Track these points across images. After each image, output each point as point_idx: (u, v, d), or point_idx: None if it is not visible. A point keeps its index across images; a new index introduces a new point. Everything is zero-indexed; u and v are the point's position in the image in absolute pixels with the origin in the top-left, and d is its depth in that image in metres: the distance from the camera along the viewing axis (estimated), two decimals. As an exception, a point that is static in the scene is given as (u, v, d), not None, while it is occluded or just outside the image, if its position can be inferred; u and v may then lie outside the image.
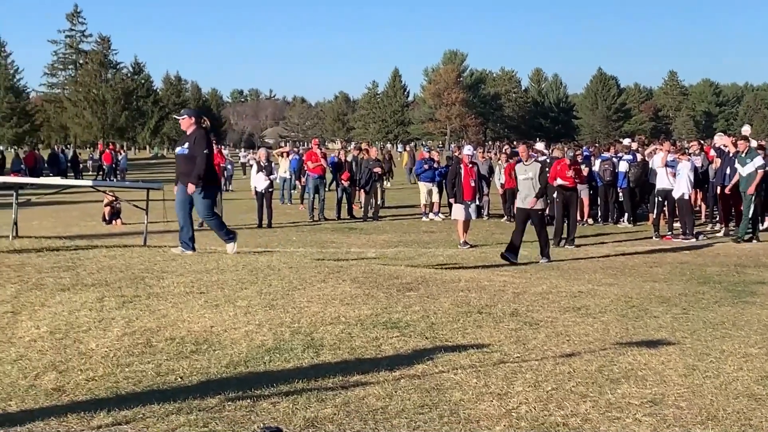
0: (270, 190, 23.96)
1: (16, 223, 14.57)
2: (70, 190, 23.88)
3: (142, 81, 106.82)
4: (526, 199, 16.39)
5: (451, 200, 19.41)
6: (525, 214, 16.51)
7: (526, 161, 16.92)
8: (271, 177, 24.51)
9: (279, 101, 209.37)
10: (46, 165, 61.03)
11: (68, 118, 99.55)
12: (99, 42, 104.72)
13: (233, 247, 13.00)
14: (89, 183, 18.91)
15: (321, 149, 27.59)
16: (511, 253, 15.92)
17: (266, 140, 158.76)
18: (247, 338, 7.63)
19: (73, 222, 25.39)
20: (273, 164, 27.26)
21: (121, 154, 66.23)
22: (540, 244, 16.32)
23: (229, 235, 13.10)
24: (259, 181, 23.62)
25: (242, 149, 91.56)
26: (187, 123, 12.83)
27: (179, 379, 6.48)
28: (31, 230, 16.34)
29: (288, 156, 33.16)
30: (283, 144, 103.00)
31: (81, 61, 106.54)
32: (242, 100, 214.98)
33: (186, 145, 12.70)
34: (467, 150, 20.88)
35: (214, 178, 13.05)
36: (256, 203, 23.71)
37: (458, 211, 18.81)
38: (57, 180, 26.76)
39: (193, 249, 12.75)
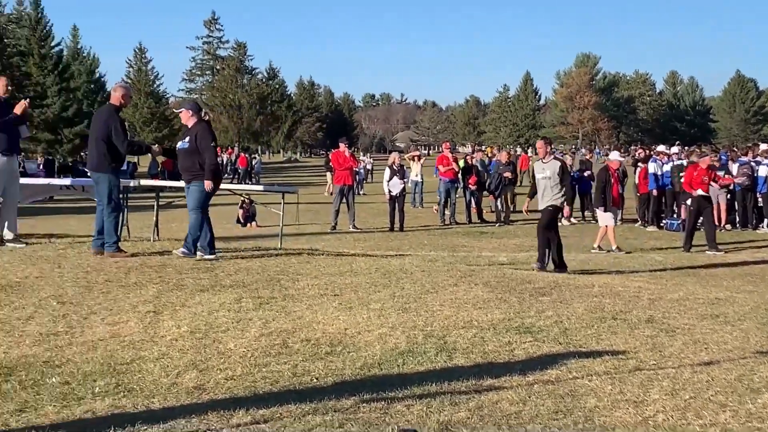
0: (403, 194, 24.08)
1: (157, 225, 15.03)
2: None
3: (277, 86, 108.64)
4: (543, 200, 15.16)
5: (600, 208, 19.17)
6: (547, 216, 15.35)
7: (545, 159, 15.53)
8: (404, 181, 24.62)
9: (410, 105, 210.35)
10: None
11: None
12: (235, 48, 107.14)
13: (182, 252, 11.94)
14: (227, 186, 19.34)
15: (452, 153, 27.60)
16: (559, 262, 14.95)
17: (397, 144, 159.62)
18: (380, 341, 7.69)
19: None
20: (405, 168, 27.38)
21: (255, 158, 67.59)
22: (539, 246, 15.06)
23: (210, 246, 12.13)
24: (393, 185, 23.76)
25: (367, 154, 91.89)
26: (185, 116, 12.21)
27: (315, 380, 6.58)
28: (171, 232, 16.79)
29: (419, 160, 33.27)
30: (413, 148, 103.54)
31: (218, 67, 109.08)
32: (374, 104, 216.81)
33: (186, 139, 12.13)
34: (615, 156, 20.60)
35: (219, 174, 12.52)
36: (389, 207, 23.85)
37: (608, 218, 18.87)
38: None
39: (213, 253, 12.05)
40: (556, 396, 6.03)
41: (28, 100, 13.00)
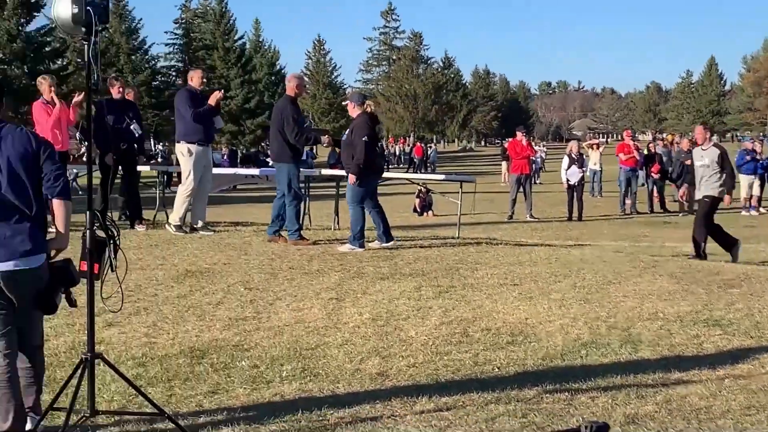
0: (581, 182, 23.70)
1: (337, 214, 15.30)
2: (382, 183, 24.80)
3: (452, 75, 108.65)
4: (700, 189, 14.27)
5: None
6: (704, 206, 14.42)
7: (704, 146, 14.49)
8: (583, 169, 24.22)
9: (588, 93, 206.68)
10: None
11: (381, 113, 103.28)
12: (411, 38, 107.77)
13: (348, 247, 11.76)
14: (403, 175, 19.51)
15: (633, 141, 26.98)
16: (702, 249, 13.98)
17: (574, 132, 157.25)
18: (562, 331, 7.61)
19: (387, 213, 26.29)
20: (584, 156, 26.94)
21: (431, 147, 67.94)
22: (693, 236, 14.07)
23: (361, 238, 11.95)
24: (571, 174, 23.41)
25: (541, 143, 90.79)
26: (350, 108, 12.22)
27: (496, 370, 6.56)
28: (348, 220, 17.05)
29: (598, 148, 32.67)
30: (591, 136, 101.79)
31: (394, 57, 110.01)
32: (550, 92, 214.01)
33: (347, 131, 12.23)
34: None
35: (372, 167, 12.06)
36: (567, 196, 23.51)
37: None
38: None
39: (361, 246, 11.85)
40: (749, 391, 5.83)
41: (221, 91, 13.46)
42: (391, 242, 12.12)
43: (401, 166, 68.71)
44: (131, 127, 13.10)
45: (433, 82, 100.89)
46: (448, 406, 5.53)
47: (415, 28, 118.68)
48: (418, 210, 25.67)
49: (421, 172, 54.50)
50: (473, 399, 5.67)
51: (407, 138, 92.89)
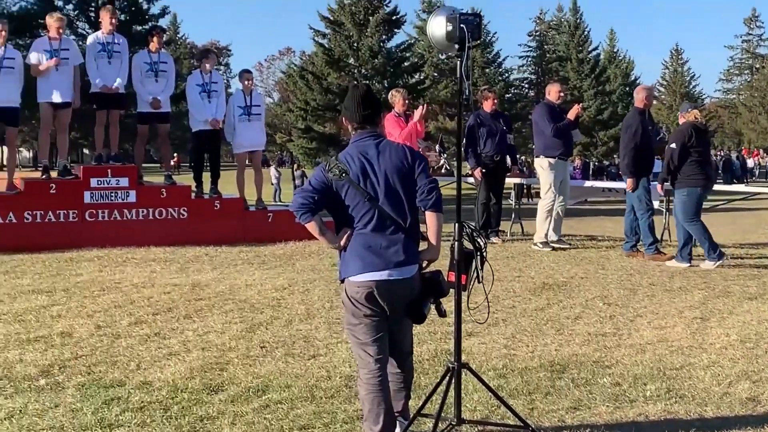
0: None
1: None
2: (748, 198, 23.60)
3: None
4: None
5: None
6: None
7: None
8: None
9: None
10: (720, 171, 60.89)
11: (743, 124, 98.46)
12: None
13: (711, 264, 11.11)
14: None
15: None
16: None
17: None
18: None
19: (750, 229, 25.00)
20: None
21: None
22: None
23: (715, 250, 11.23)
24: None
25: None
26: (679, 117, 11.73)
27: None
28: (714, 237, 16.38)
29: None
30: None
31: (757, 66, 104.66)
32: None
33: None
34: None
35: (691, 175, 11.27)
36: None
37: None
38: (738, 187, 26.60)
39: (720, 257, 11.19)
40: None
41: (580, 105, 13.39)
42: (716, 262, 11.22)
43: (754, 180, 65.30)
44: (507, 137, 13.34)
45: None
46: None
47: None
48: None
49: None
50: None
51: (761, 150, 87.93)
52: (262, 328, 7.81)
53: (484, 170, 13.02)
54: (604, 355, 7.10)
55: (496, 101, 13.37)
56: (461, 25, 5.00)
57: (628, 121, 12.10)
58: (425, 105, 13.56)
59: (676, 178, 11.27)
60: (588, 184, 20.37)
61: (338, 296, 5.00)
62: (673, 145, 11.25)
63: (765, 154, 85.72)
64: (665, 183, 11.63)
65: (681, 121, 11.62)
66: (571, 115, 12.61)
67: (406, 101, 13.05)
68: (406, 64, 58.63)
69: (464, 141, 12.93)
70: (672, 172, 11.23)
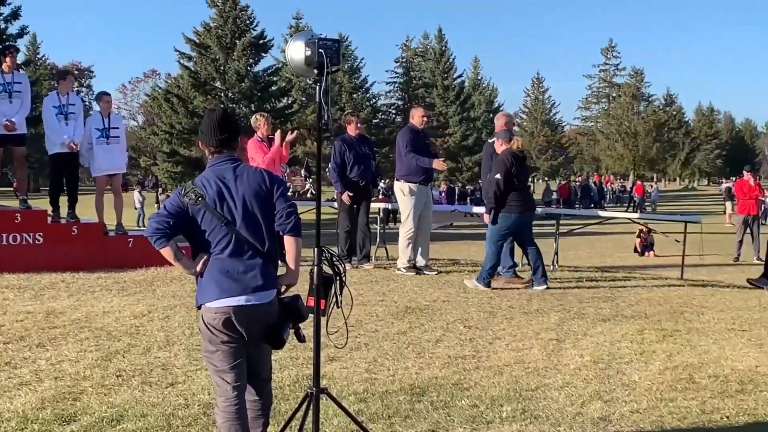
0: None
1: (557, 253, 15.11)
2: (604, 222, 24.34)
3: (674, 113, 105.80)
4: None
5: None
6: None
7: None
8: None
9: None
10: (578, 196, 62.68)
11: (600, 150, 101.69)
12: (632, 75, 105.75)
13: (473, 283, 11.49)
14: (631, 215, 19.06)
15: None
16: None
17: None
18: (797, 381, 7.21)
19: (607, 252, 25.79)
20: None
21: (652, 186, 66.37)
22: None
23: (488, 278, 11.57)
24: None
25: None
26: (497, 144, 11.92)
27: (725, 419, 6.28)
28: (568, 260, 16.85)
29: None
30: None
31: (614, 95, 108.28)
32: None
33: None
34: None
35: (508, 201, 11.51)
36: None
37: None
38: (594, 212, 27.38)
39: (487, 285, 11.51)
40: None
41: (444, 161, 13.43)
42: (544, 287, 11.54)
43: (618, 204, 67.50)
44: (371, 163, 13.25)
45: (655, 120, 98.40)
46: (675, 456, 5.33)
47: (637, 65, 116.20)
48: (639, 250, 25.07)
49: (640, 212, 53.17)
50: (702, 450, 5.45)
51: (612, 176, 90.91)
52: (118, 356, 7.65)
53: (351, 194, 12.85)
54: (463, 378, 7.21)
55: (359, 125, 13.30)
56: (320, 50, 5.04)
57: (490, 149, 12.30)
58: (290, 131, 13.47)
59: (503, 205, 11.50)
60: (452, 208, 20.65)
61: (198, 323, 4.94)
62: (498, 176, 11.40)
63: (614, 180, 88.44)
64: (491, 210, 11.65)
65: (500, 148, 11.84)
66: (435, 164, 12.66)
67: (270, 126, 12.99)
68: (273, 88, 58.65)
69: (333, 165, 12.88)
70: (498, 200, 11.43)
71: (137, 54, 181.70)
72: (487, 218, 11.86)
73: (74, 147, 12.63)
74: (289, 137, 12.75)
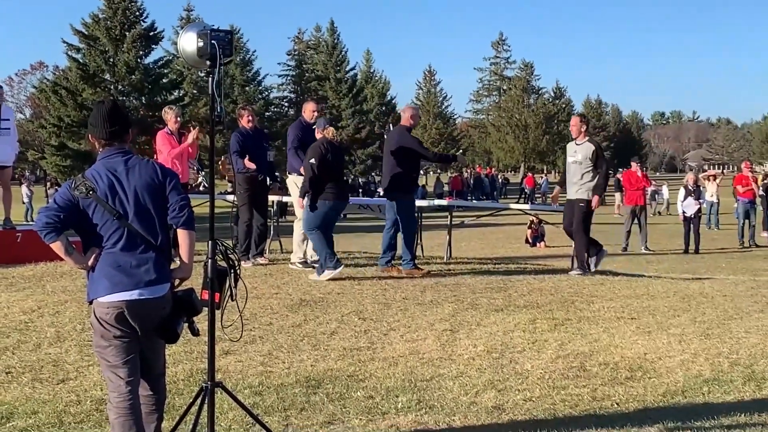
0: (698, 215, 23.20)
1: (450, 245, 15.26)
2: (496, 213, 24.70)
3: (563, 105, 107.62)
4: (572, 188, 13.01)
5: None
6: (571, 207, 13.15)
7: (578, 140, 13.17)
8: (700, 201, 23.72)
9: (702, 123, 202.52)
10: (470, 188, 63.39)
11: (491, 143, 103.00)
12: (522, 68, 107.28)
13: (328, 274, 11.42)
14: (522, 206, 19.34)
15: (752, 173, 26.31)
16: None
17: (689, 163, 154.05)
18: (682, 367, 7.42)
19: (498, 244, 26.17)
20: (701, 188, 26.40)
21: (542, 177, 67.49)
22: (575, 249, 13.27)
23: (332, 260, 11.57)
24: (687, 206, 22.97)
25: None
26: (316, 132, 12.00)
27: (615, 405, 6.44)
28: (461, 251, 17.05)
29: (715, 180, 31.95)
30: (707, 168, 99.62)
31: (504, 87, 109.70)
32: (663, 122, 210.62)
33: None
34: None
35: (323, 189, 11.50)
36: (683, 228, 23.06)
37: None
38: (486, 203, 27.71)
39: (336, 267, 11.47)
40: None
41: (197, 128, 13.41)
42: (339, 269, 11.50)
43: (506, 197, 68.53)
44: (268, 154, 13.04)
45: (544, 112, 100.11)
46: (568, 442, 5.43)
47: (527, 58, 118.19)
48: (530, 241, 25.47)
49: (532, 202, 54.03)
50: (592, 435, 5.57)
51: (492, 168, 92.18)
52: (8, 353, 7.46)
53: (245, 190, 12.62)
54: (358, 369, 7.23)
55: (251, 117, 13.10)
56: (212, 41, 4.98)
57: (400, 138, 12.21)
58: (197, 128, 13.26)
59: (321, 191, 11.52)
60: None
61: (90, 318, 4.85)
62: (313, 161, 11.39)
63: (497, 172, 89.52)
64: (306, 196, 11.64)
65: (318, 136, 11.88)
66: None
67: (179, 119, 12.80)
68: (164, 80, 57.83)
69: (234, 155, 12.61)
70: (314, 185, 11.45)
71: (24, 45, 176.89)
72: (302, 203, 11.78)
73: None
74: (193, 133, 12.57)
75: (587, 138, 13.24)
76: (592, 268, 13.04)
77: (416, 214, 12.95)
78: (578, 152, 13.03)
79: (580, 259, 13.01)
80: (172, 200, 4.83)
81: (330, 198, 11.46)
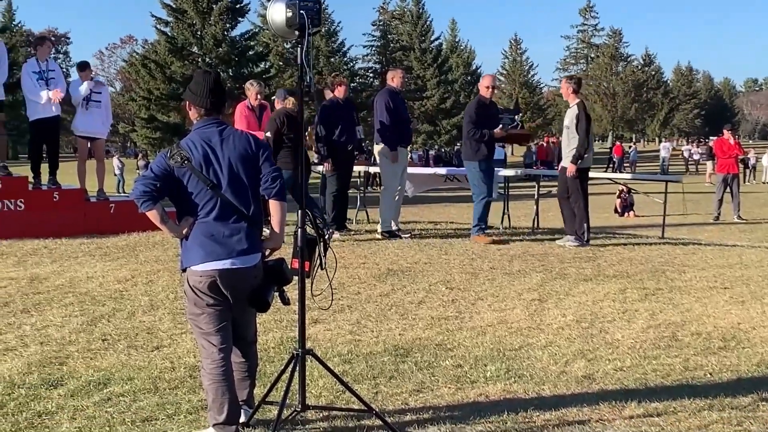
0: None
1: (537, 215, 15.15)
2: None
3: (653, 73, 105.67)
4: (564, 155, 12.41)
5: None
6: (563, 175, 12.34)
7: (570, 101, 12.42)
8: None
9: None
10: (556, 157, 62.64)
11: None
12: (611, 35, 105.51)
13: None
14: (611, 175, 19.10)
15: None
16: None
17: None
18: (777, 337, 7.29)
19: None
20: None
21: (631, 146, 66.54)
22: (567, 217, 12.39)
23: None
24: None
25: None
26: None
27: (708, 375, 6.34)
28: (548, 221, 16.89)
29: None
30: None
31: (592, 55, 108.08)
32: (756, 89, 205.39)
33: None
34: None
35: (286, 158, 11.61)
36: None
37: None
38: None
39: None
40: None
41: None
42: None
43: (594, 166, 67.58)
44: (356, 128, 12.86)
45: (633, 80, 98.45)
46: (659, 412, 5.37)
47: (615, 25, 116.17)
48: (619, 210, 25.16)
49: (620, 172, 53.26)
50: (685, 405, 5.49)
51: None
52: (103, 321, 7.65)
53: (333, 160, 12.54)
54: (447, 338, 7.25)
55: (345, 88, 12.94)
56: (301, 11, 4.99)
57: (470, 108, 12.38)
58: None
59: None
60: (430, 171, 20.61)
61: (183, 286, 4.94)
62: (268, 134, 11.60)
63: (616, 141, 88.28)
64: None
65: (277, 106, 11.97)
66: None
67: (259, 96, 12.87)
68: (251, 53, 58.22)
69: (319, 129, 12.53)
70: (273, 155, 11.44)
71: (114, 20, 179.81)
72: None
73: (57, 98, 12.46)
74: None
75: (577, 101, 12.44)
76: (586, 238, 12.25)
77: (500, 184, 12.80)
78: (566, 117, 12.47)
79: (576, 229, 12.19)
80: (264, 171, 4.88)
81: (287, 168, 11.33)
